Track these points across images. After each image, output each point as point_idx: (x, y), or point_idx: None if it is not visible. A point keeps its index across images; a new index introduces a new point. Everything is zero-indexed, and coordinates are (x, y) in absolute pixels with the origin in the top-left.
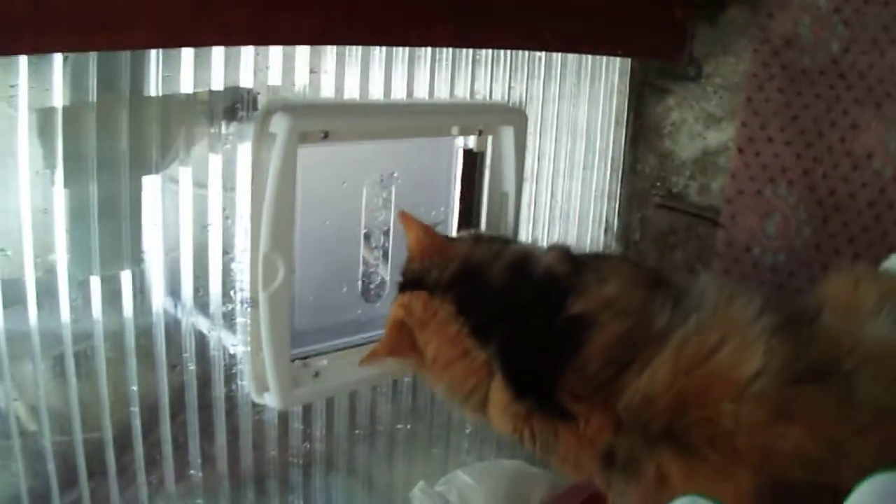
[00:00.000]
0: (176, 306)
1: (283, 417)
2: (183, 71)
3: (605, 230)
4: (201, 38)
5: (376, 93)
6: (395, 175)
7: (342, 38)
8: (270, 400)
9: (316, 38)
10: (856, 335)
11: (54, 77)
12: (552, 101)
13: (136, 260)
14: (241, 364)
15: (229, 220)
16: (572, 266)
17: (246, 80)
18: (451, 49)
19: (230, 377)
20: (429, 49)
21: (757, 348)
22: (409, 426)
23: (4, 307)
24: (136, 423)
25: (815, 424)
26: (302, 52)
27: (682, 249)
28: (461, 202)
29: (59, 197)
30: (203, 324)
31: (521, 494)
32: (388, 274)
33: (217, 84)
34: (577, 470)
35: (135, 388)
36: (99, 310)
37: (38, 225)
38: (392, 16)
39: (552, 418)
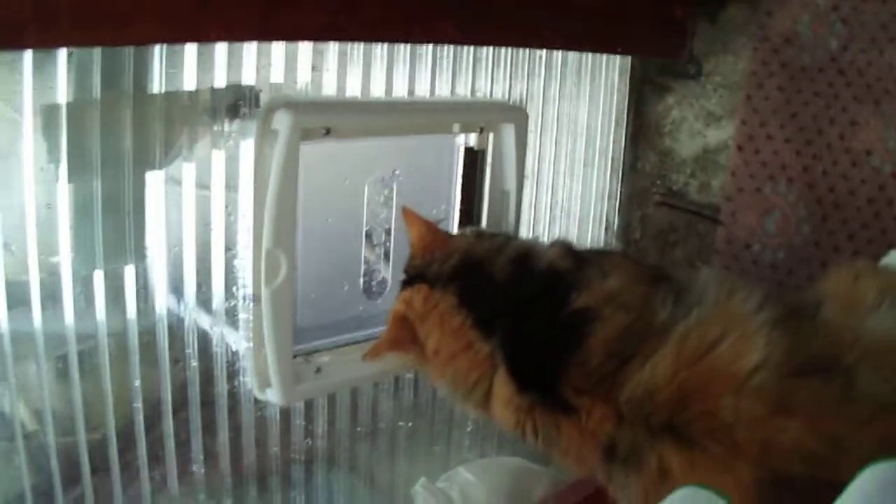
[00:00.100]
0: (178, 302)
1: (286, 414)
2: (186, 68)
3: (606, 228)
4: (205, 34)
5: (378, 91)
6: (397, 172)
7: (344, 34)
8: (272, 396)
9: (318, 34)
10: (856, 329)
11: (58, 73)
12: (553, 100)
13: (140, 255)
14: (243, 360)
15: (232, 217)
16: (575, 261)
17: (248, 78)
18: (452, 48)
19: (232, 373)
20: (430, 48)
21: (757, 341)
22: (410, 423)
23: (9, 308)
24: (139, 419)
25: (816, 419)
26: (304, 49)
27: (682, 247)
28: (462, 200)
29: (63, 192)
30: (205, 320)
31: (523, 491)
32: (389, 273)
33: (220, 81)
34: (579, 463)
35: (137, 383)
36: (102, 306)
37: (42, 220)
38: (394, 13)
39: (555, 412)
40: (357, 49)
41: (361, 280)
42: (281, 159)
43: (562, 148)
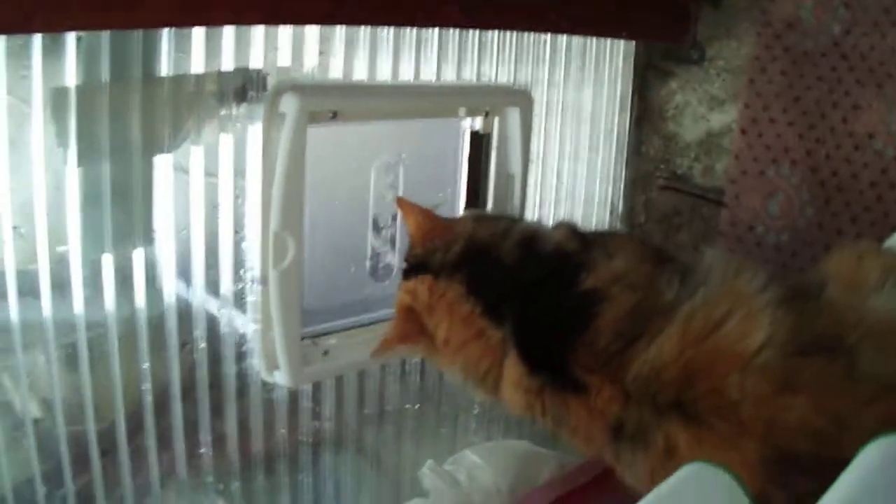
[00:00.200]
0: (186, 286)
1: (293, 396)
2: (194, 52)
3: (611, 212)
4: (212, 17)
5: (384, 76)
6: (403, 156)
7: (351, 17)
8: (280, 378)
9: (325, 17)
10: (859, 310)
11: (67, 57)
12: (558, 85)
13: (148, 239)
14: (251, 343)
15: (239, 200)
16: (581, 243)
17: (256, 62)
18: (457, 33)
19: (240, 356)
20: (436, 32)
21: (762, 320)
22: (417, 406)
23: (19, 295)
24: (148, 401)
25: (820, 397)
26: (311, 33)
27: (686, 230)
28: (468, 184)
29: (72, 176)
30: (213, 303)
31: (529, 474)
32: (395, 256)
33: (227, 65)
34: (587, 443)
35: (146, 366)
36: (112, 289)
37: (52, 203)
38: None
39: (564, 392)
40: (364, 33)
41: (368, 263)
42: (288, 142)
43: (567, 132)
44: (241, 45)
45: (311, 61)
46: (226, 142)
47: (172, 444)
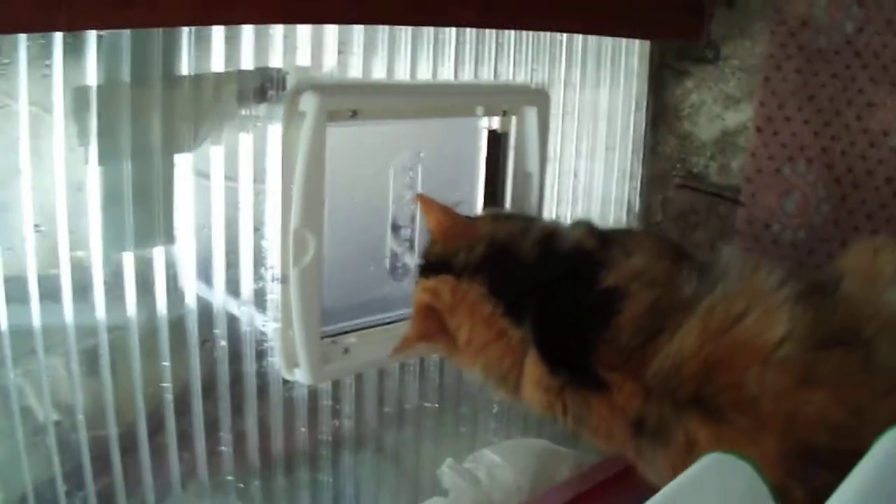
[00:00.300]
0: (207, 284)
1: (313, 394)
2: (214, 51)
3: (627, 211)
4: (234, 16)
5: (402, 75)
6: (422, 155)
7: (370, 17)
8: (300, 376)
9: (344, 17)
10: (875, 303)
11: (88, 56)
12: (574, 85)
13: (169, 237)
14: (271, 341)
15: (260, 197)
16: (599, 241)
17: (275, 61)
18: (475, 33)
19: (260, 354)
20: (454, 33)
21: (781, 315)
22: (436, 405)
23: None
24: (168, 400)
25: (840, 390)
26: (330, 33)
27: (703, 228)
28: (486, 183)
29: (93, 174)
30: (233, 301)
31: (548, 472)
32: (415, 257)
33: (247, 65)
34: (608, 440)
35: (167, 364)
36: (132, 288)
37: (73, 202)
38: None
39: (585, 390)
40: (382, 33)
41: (387, 261)
42: (308, 140)
43: (583, 132)
44: (261, 45)
45: (330, 61)
46: (246, 141)
47: (193, 442)
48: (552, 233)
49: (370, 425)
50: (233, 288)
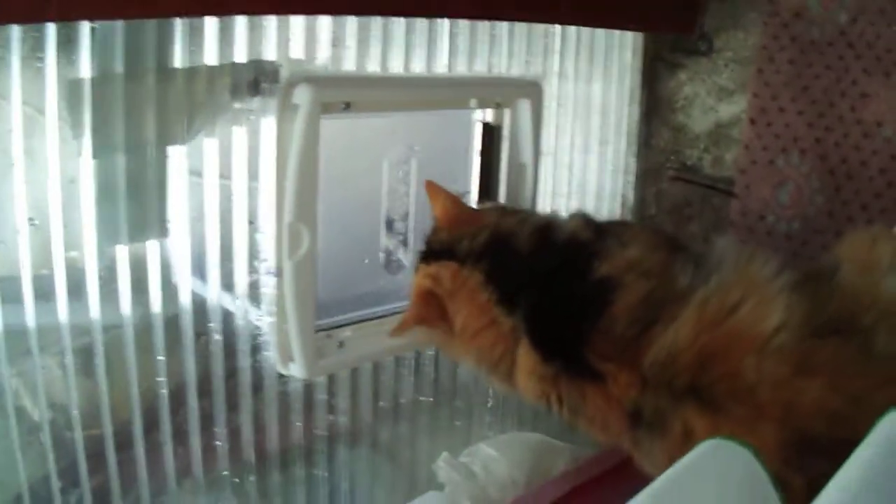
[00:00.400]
0: (201, 278)
1: (308, 389)
2: (207, 44)
3: (622, 204)
4: (226, 6)
5: (396, 68)
6: (416, 148)
7: (363, 8)
8: (295, 370)
9: (338, 7)
10: (873, 292)
11: (81, 47)
12: (568, 78)
13: (162, 230)
14: (266, 335)
15: (253, 191)
16: (595, 232)
17: (268, 54)
18: (469, 25)
19: (255, 348)
20: (447, 25)
21: (777, 304)
22: (431, 399)
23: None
24: (163, 395)
25: (837, 378)
26: (324, 25)
27: (697, 221)
28: (480, 175)
29: (87, 167)
30: (228, 295)
31: (544, 466)
32: (409, 249)
33: (240, 57)
34: (604, 431)
35: (161, 358)
36: (126, 281)
37: (66, 195)
38: None
39: (580, 379)
40: (376, 25)
41: (381, 255)
42: (302, 132)
43: (577, 125)
44: (255, 38)
45: (323, 53)
46: (239, 134)
47: (188, 438)
48: (548, 224)
49: (365, 420)
50: (227, 282)
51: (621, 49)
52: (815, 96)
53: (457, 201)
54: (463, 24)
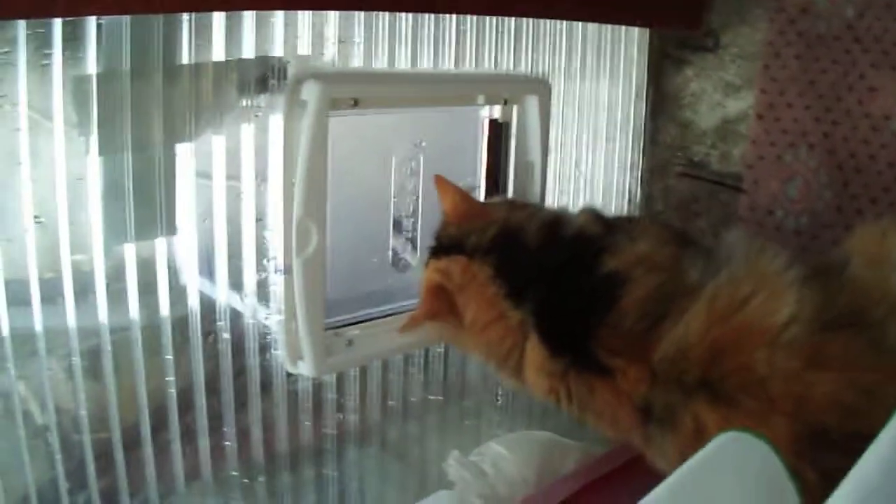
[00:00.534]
0: (209, 276)
1: (317, 387)
2: (214, 41)
3: (629, 200)
4: (234, 2)
5: (404, 65)
6: (424, 144)
7: (370, 4)
8: (304, 368)
9: (345, 3)
10: (883, 286)
11: (88, 44)
12: (575, 75)
13: (170, 228)
14: (274, 333)
15: (262, 188)
16: (604, 227)
17: (276, 51)
18: (476, 21)
19: (263, 347)
20: (454, 22)
21: (788, 297)
22: (441, 397)
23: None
24: (172, 395)
25: (849, 371)
26: (331, 21)
27: (705, 217)
28: (488, 172)
29: (94, 165)
30: (236, 293)
31: (554, 464)
32: (417, 247)
33: (248, 54)
34: (613, 426)
35: (169, 357)
36: (134, 280)
37: (73, 193)
38: None
39: (589, 374)
40: (383, 23)
41: (390, 253)
42: (310, 129)
43: (584, 122)
44: (262, 34)
45: (331, 50)
46: (247, 131)
47: (196, 438)
48: (557, 219)
49: (375, 419)
50: (235, 280)
51: (627, 45)
52: (822, 91)
53: (466, 196)
54: (470, 19)
